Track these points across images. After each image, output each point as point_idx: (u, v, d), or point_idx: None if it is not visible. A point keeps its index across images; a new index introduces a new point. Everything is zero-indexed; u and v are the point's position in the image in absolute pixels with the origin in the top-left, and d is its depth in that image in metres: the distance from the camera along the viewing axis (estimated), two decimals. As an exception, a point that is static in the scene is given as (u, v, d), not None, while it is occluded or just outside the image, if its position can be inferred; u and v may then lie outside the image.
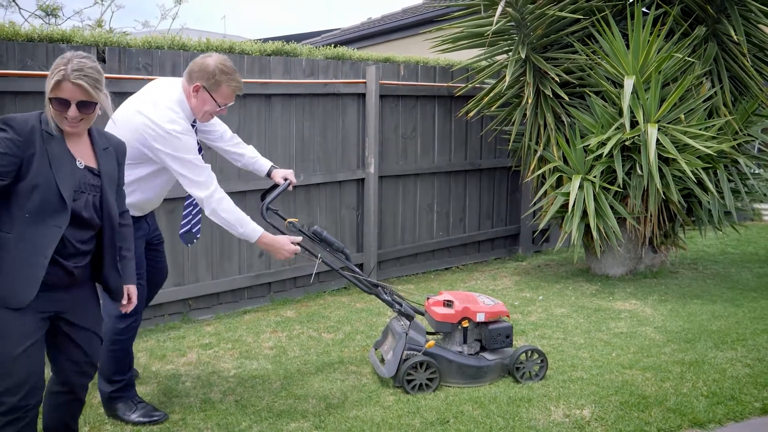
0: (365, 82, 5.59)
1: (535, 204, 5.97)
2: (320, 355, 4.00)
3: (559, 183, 5.62)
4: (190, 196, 3.23)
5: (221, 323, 4.68)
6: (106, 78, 4.30)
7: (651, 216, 5.41)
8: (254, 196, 4.88)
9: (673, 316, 4.69)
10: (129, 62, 4.42)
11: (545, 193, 5.71)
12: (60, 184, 2.19)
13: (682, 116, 5.13)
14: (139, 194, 3.03)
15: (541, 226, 5.82)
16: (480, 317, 3.46)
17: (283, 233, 3.33)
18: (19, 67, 4.01)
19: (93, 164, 2.35)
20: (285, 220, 3.51)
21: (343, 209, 5.65)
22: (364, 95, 5.62)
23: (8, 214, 2.17)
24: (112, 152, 2.44)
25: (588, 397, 3.33)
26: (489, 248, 6.82)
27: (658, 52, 5.00)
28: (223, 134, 3.42)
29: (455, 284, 5.77)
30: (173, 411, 3.23)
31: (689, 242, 7.11)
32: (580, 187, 5.21)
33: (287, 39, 5.85)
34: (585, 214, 5.25)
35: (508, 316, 3.62)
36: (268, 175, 3.49)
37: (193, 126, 3.08)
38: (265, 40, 5.31)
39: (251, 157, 3.47)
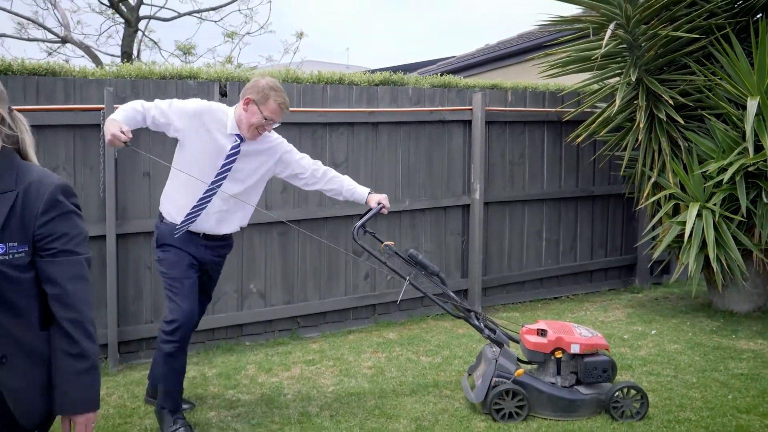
0: (471, 109, 5.65)
1: (649, 233, 5.68)
2: (416, 377, 4.06)
3: (676, 211, 5.32)
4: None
5: (326, 341, 4.88)
6: None
7: (782, 248, 4.97)
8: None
9: (805, 358, 4.26)
10: (248, 95, 4.79)
11: (660, 221, 5.42)
12: None
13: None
14: (177, 186, 3.31)
15: (655, 257, 5.52)
16: (574, 348, 3.35)
17: (378, 258, 3.47)
18: (154, 101, 4.49)
19: None
20: (381, 242, 3.64)
21: (448, 235, 5.70)
22: (470, 122, 5.68)
23: None
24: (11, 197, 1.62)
25: (695, 439, 3.12)
26: (602, 278, 6.56)
27: (787, 71, 4.64)
28: (314, 173, 3.52)
29: (563, 314, 5.60)
30: (273, 421, 3.42)
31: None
32: (699, 215, 4.91)
33: (403, 69, 6.06)
34: (704, 244, 4.92)
35: (607, 349, 3.47)
36: (366, 201, 3.64)
37: (237, 139, 3.23)
38: (375, 71, 5.54)
39: (348, 189, 3.61)
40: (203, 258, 3.34)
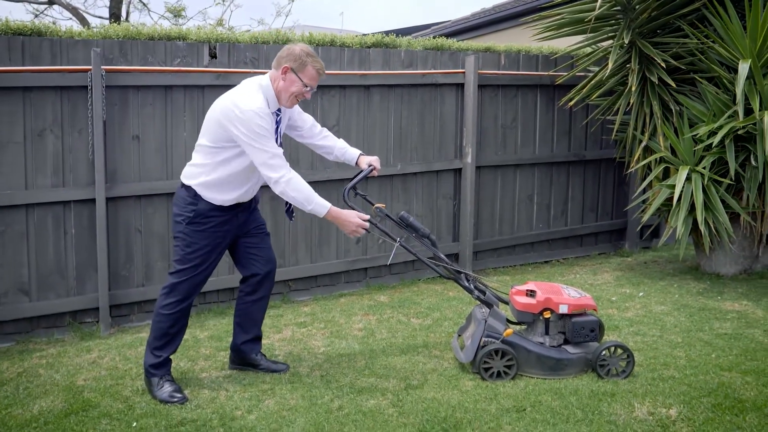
0: (464, 72, 5.60)
1: (639, 196, 5.70)
2: (406, 338, 4.11)
3: (666, 175, 5.34)
4: None
5: (317, 304, 4.92)
6: (217, 72, 4.64)
7: (769, 211, 5.01)
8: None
9: (788, 319, 4.34)
10: (237, 57, 4.73)
11: (650, 185, 5.44)
12: None
13: (808, 103, 4.70)
14: (224, 181, 3.23)
15: (644, 220, 5.56)
16: (563, 309, 3.40)
17: (370, 220, 3.47)
18: (142, 63, 4.44)
19: None
20: (373, 205, 3.64)
21: (440, 199, 5.71)
22: (462, 85, 5.64)
23: None
24: None
25: (677, 396, 3.19)
26: (592, 242, 6.61)
27: (780, 34, 4.61)
28: (312, 128, 3.58)
29: (553, 277, 5.66)
30: (264, 381, 3.47)
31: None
32: (688, 179, 4.93)
33: (398, 32, 5.98)
34: (693, 208, 4.96)
35: (595, 309, 3.52)
36: (357, 162, 3.63)
37: (278, 114, 3.29)
38: (367, 35, 5.47)
39: (341, 148, 3.62)
40: (243, 219, 3.40)
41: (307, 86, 3.22)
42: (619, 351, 3.41)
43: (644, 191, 5.58)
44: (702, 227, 4.84)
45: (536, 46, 6.18)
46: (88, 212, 4.35)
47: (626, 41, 5.01)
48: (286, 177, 3.13)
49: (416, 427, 2.93)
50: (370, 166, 3.54)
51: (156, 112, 4.51)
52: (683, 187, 4.89)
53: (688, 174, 4.93)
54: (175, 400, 3.21)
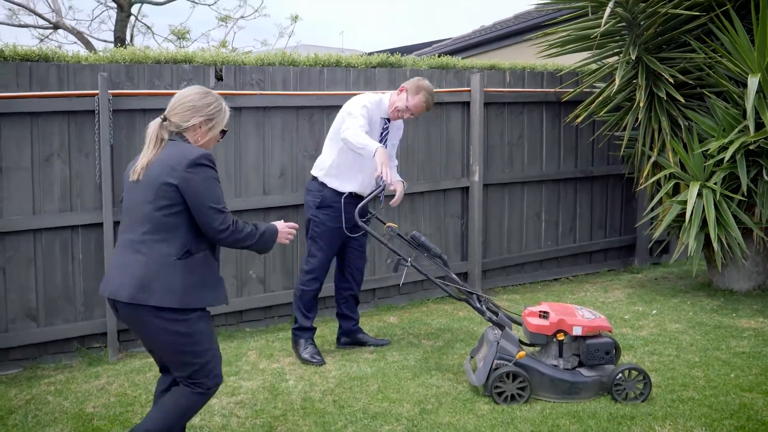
0: (469, 90, 5.60)
1: (649, 213, 5.66)
2: (418, 360, 4.05)
3: (676, 191, 5.30)
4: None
5: (326, 326, 4.86)
6: (223, 94, 4.73)
7: (782, 226, 4.96)
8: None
9: (806, 336, 4.27)
10: (243, 79, 4.73)
11: (660, 201, 5.40)
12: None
13: (819, 116, 4.67)
14: (341, 169, 4.02)
15: (655, 237, 5.51)
16: (576, 331, 3.34)
17: (380, 239, 3.45)
18: (148, 86, 4.43)
19: None
20: (384, 224, 3.61)
21: (447, 217, 5.68)
22: (468, 103, 5.63)
23: (193, 237, 2.47)
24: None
25: (698, 419, 3.12)
26: (602, 259, 6.55)
27: (788, 48, 4.59)
28: (392, 155, 4.24)
29: (563, 296, 5.60)
30: (276, 407, 3.41)
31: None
32: (699, 194, 4.88)
33: (399, 51, 6.00)
34: (705, 224, 4.91)
35: (610, 331, 3.46)
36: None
37: (386, 121, 4.06)
38: (372, 53, 5.48)
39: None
40: (351, 212, 3.84)
41: (407, 108, 3.95)
42: (635, 374, 3.34)
43: (654, 207, 5.54)
44: (714, 243, 4.78)
45: (541, 63, 6.17)
46: (95, 236, 4.32)
47: (633, 57, 5.00)
48: (351, 128, 3.78)
49: (433, 454, 2.86)
50: (378, 186, 3.52)
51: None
52: (695, 203, 4.85)
53: (699, 190, 4.89)
54: (315, 361, 3.99)
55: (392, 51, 5.65)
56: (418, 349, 4.26)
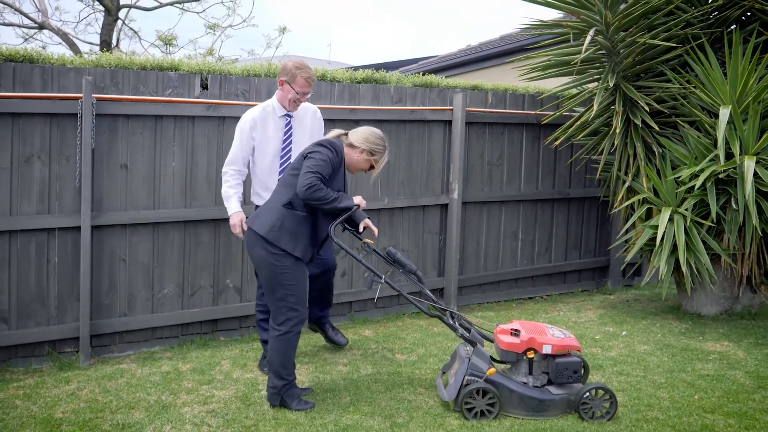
0: (452, 109, 5.69)
1: (623, 236, 5.78)
2: (391, 374, 4.09)
3: (649, 215, 5.43)
4: None
5: (302, 338, 4.86)
6: (207, 103, 4.79)
7: (750, 253, 5.10)
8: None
9: (768, 361, 4.39)
10: (228, 89, 4.77)
11: (634, 225, 5.52)
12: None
13: (786, 149, 4.83)
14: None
15: (627, 259, 5.63)
16: (546, 349, 3.41)
17: (355, 256, 3.49)
18: (133, 92, 4.45)
19: None
20: (361, 240, 3.66)
21: (426, 233, 5.74)
22: (450, 122, 5.72)
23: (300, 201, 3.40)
24: None
25: (661, 438, 3.20)
26: (576, 279, 6.66)
27: (758, 81, 4.76)
28: None
29: (537, 314, 5.68)
30: (247, 417, 3.42)
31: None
32: (671, 220, 5.01)
33: (386, 66, 6.09)
34: (675, 248, 5.03)
35: (579, 350, 3.54)
36: None
37: (289, 118, 4.09)
38: (357, 68, 5.55)
39: None
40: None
41: (298, 93, 3.94)
42: (602, 393, 3.42)
43: (627, 231, 5.66)
44: (684, 268, 4.91)
45: (523, 85, 6.30)
46: (72, 240, 4.31)
47: (611, 84, 5.13)
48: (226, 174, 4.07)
49: (401, 467, 2.89)
50: (357, 207, 3.57)
51: (145, 141, 4.52)
52: (666, 227, 4.97)
53: (670, 215, 5.02)
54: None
55: (379, 66, 5.75)
56: (391, 363, 4.30)
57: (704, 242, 5.05)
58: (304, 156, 3.49)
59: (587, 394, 3.39)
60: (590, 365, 4.16)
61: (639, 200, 5.43)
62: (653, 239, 5.21)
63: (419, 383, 3.93)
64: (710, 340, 4.86)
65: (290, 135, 4.11)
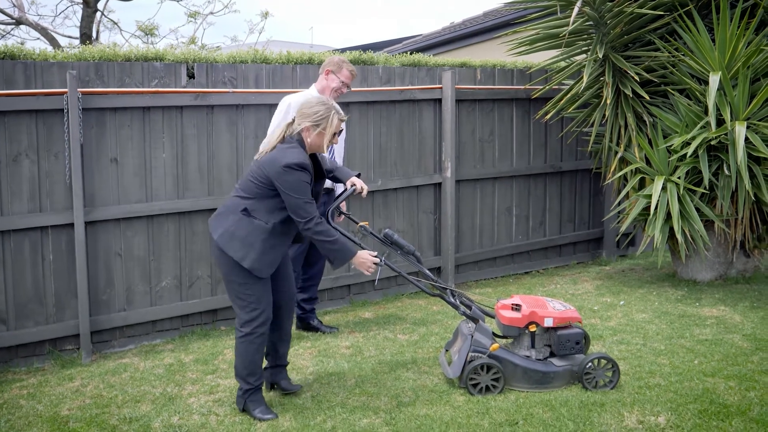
0: (441, 88, 5.66)
1: (616, 207, 5.81)
2: (394, 355, 4.11)
3: (642, 185, 5.45)
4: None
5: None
6: (195, 92, 4.71)
7: (742, 218, 5.14)
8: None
9: (764, 323, 4.44)
10: (215, 76, 4.72)
11: (627, 195, 5.55)
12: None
13: (776, 112, 4.85)
14: None
15: (622, 230, 5.66)
16: (548, 322, 3.44)
17: (352, 239, 3.48)
18: (118, 85, 4.39)
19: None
20: (357, 223, 3.65)
21: (421, 213, 5.74)
22: (440, 100, 5.70)
23: (265, 211, 3.16)
24: None
25: (665, 404, 3.24)
26: (571, 252, 6.70)
27: (747, 47, 4.76)
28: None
29: (534, 288, 5.71)
30: (254, 404, 3.42)
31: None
32: (664, 188, 5.04)
33: (369, 47, 6.04)
34: (669, 216, 5.07)
35: (580, 322, 3.57)
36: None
37: None
38: (344, 50, 5.50)
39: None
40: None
41: (342, 83, 4.32)
42: (604, 362, 3.45)
43: (620, 201, 5.69)
44: (678, 235, 4.94)
45: (511, 60, 6.27)
46: (66, 237, 4.28)
47: (600, 55, 5.12)
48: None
49: (410, 446, 2.92)
50: (352, 186, 3.55)
51: (134, 134, 4.47)
52: (659, 196, 5.00)
53: (663, 184, 5.04)
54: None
55: (362, 47, 5.70)
56: (393, 344, 4.32)
57: (697, 209, 5.09)
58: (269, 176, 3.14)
59: (590, 364, 3.42)
60: (590, 336, 4.20)
61: (631, 170, 5.45)
62: (647, 209, 5.23)
63: (423, 362, 3.95)
64: (707, 305, 4.91)
65: None
